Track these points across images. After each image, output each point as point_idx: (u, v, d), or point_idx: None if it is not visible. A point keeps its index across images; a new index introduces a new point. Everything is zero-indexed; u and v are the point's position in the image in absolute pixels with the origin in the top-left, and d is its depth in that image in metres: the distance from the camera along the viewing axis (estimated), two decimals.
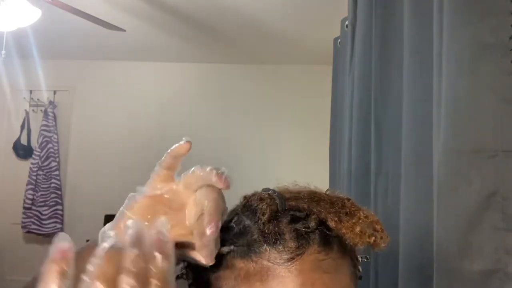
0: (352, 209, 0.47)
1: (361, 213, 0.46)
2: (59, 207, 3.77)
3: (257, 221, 0.46)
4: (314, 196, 0.48)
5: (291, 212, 0.47)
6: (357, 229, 0.45)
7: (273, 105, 3.82)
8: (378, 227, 0.46)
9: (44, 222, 3.72)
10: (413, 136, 0.90)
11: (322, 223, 0.46)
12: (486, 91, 0.67)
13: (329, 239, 0.46)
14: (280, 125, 3.80)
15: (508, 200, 0.64)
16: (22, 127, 3.90)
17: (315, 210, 0.47)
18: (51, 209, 3.74)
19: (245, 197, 0.51)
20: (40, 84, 3.80)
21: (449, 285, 0.68)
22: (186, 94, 3.91)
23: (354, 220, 0.46)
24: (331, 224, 0.46)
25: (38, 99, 3.90)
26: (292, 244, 0.44)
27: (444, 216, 0.70)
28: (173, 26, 3.04)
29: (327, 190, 0.51)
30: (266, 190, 0.50)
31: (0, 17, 1.98)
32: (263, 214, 0.46)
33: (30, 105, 3.93)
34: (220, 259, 0.46)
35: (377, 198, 1.11)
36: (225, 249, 0.46)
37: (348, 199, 0.48)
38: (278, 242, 0.44)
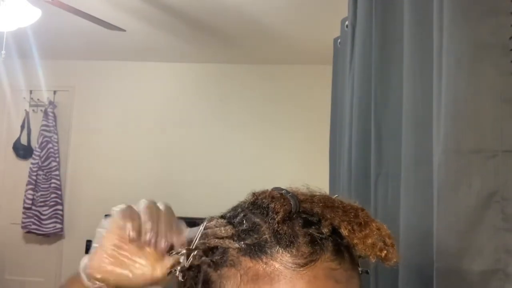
0: (365, 219, 0.45)
1: (374, 225, 0.45)
2: (59, 207, 3.76)
3: (269, 220, 0.44)
4: (328, 202, 0.46)
5: (304, 215, 0.45)
6: (369, 241, 0.43)
7: (273, 105, 3.82)
8: (388, 241, 0.45)
9: (44, 222, 3.71)
10: (413, 136, 0.90)
11: (334, 230, 0.45)
12: (486, 91, 0.67)
13: (341, 248, 0.45)
14: (280, 125, 3.80)
15: (508, 200, 0.64)
16: (22, 127, 3.90)
17: (328, 216, 0.45)
18: (51, 209, 3.74)
19: (253, 194, 0.49)
20: (40, 84, 3.80)
21: (449, 285, 0.68)
22: (186, 94, 3.90)
23: (366, 231, 0.44)
24: (344, 232, 0.44)
25: (38, 99, 3.90)
26: (306, 249, 0.42)
27: (444, 216, 0.70)
28: (173, 26, 3.04)
29: (336, 196, 0.49)
30: (278, 189, 0.48)
31: (0, 17, 1.98)
32: (276, 214, 0.44)
33: (30, 105, 3.93)
34: (223, 255, 0.45)
35: (377, 199, 1.11)
36: (234, 244, 0.44)
37: (362, 209, 0.46)
38: (291, 245, 0.42)
